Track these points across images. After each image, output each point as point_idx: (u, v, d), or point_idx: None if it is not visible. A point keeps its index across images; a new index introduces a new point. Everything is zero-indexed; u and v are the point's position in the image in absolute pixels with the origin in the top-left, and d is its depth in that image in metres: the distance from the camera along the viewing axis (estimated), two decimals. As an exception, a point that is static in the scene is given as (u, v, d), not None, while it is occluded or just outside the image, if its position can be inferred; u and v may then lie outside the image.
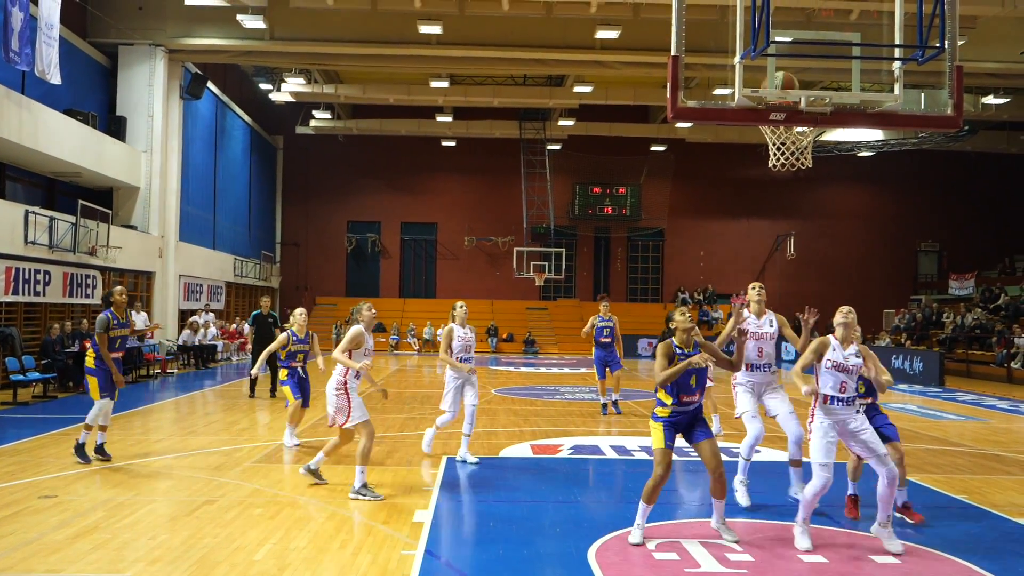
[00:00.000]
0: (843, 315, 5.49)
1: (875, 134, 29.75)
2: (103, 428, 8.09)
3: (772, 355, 6.71)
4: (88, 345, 8.38)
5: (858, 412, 5.47)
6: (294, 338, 9.15)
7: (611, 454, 9.01)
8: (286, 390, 9.15)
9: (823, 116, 5.71)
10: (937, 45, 5.48)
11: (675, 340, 5.56)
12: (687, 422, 5.60)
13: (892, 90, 5.63)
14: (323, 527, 5.83)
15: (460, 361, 8.09)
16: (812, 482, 5.41)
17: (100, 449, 8.12)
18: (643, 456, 8.88)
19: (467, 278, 33.37)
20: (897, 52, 5.71)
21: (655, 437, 5.60)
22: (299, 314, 9.30)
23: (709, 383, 10.32)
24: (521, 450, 8.98)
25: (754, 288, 6.77)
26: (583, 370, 21.92)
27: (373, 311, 7.06)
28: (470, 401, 8.14)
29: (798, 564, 5.16)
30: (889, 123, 5.84)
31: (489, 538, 5.63)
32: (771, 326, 6.69)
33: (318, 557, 5.17)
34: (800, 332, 6.24)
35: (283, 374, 9.13)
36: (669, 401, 5.54)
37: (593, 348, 12.38)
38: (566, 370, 21.74)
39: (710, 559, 5.21)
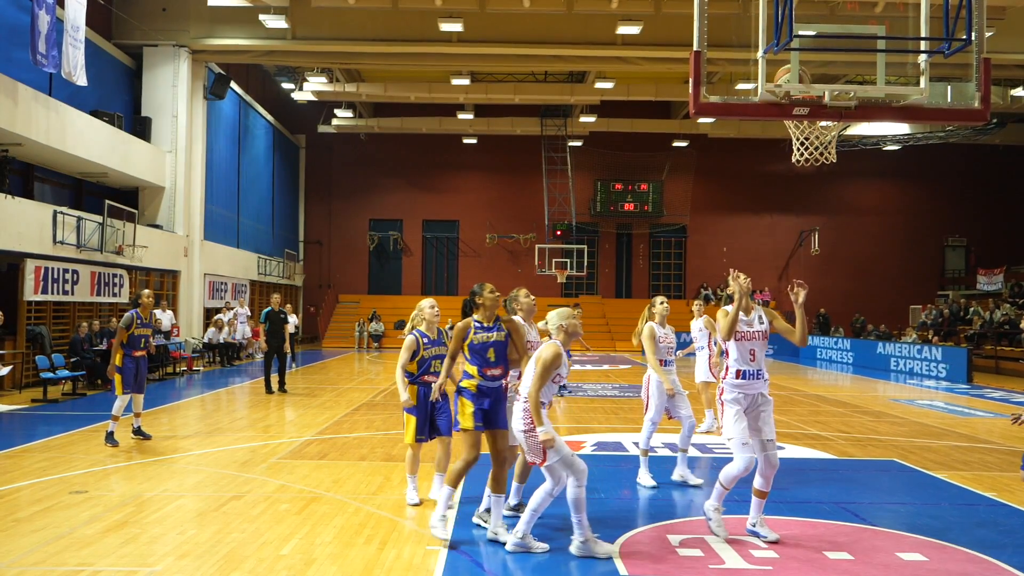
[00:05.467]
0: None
1: (901, 128, 29.33)
2: (137, 415, 9.13)
3: (764, 359, 5.59)
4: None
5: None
6: (425, 340, 6.22)
7: (634, 451, 8.98)
8: (410, 423, 6.24)
9: (847, 110, 5.64)
10: (964, 37, 5.39)
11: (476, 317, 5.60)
12: (492, 401, 5.49)
13: (918, 83, 5.55)
14: (348, 522, 5.89)
15: (664, 365, 7.13)
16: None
17: (138, 431, 9.11)
18: (666, 452, 8.85)
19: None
20: (923, 45, 5.63)
21: (464, 414, 5.43)
22: (428, 307, 6.32)
23: (710, 378, 10.25)
24: (543, 447, 8.99)
25: (737, 277, 5.62)
26: (605, 367, 21.87)
27: (532, 297, 5.97)
28: (686, 413, 7.18)
29: (823, 561, 5.11)
30: (915, 117, 5.75)
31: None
32: (761, 323, 5.56)
33: (344, 552, 5.22)
34: (795, 320, 5.54)
35: (410, 394, 6.20)
36: (475, 371, 5.47)
37: None
38: (588, 367, 21.71)
39: (735, 556, 5.18)
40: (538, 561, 5.10)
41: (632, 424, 11.01)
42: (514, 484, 6.07)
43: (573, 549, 5.17)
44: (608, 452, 8.90)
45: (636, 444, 8.00)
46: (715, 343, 10.23)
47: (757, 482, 5.44)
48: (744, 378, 5.44)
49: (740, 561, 5.09)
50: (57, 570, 4.79)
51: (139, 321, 8.99)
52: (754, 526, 5.52)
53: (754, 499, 5.49)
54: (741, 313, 5.49)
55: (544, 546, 5.29)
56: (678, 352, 8.02)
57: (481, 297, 5.58)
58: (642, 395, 7.39)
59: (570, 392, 14.66)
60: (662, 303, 7.38)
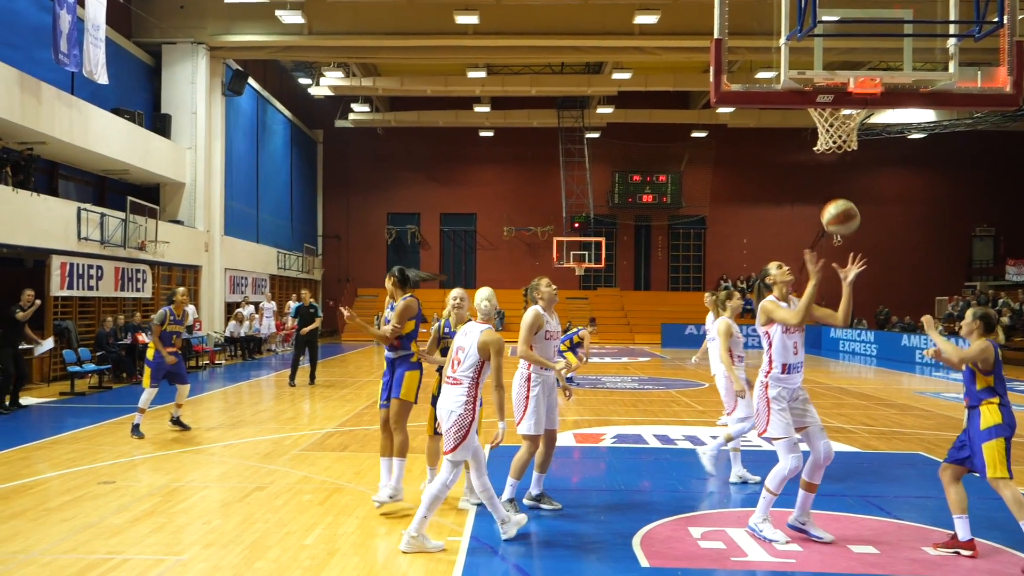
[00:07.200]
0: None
1: (926, 115, 28.86)
2: (179, 406, 9.38)
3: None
4: (141, 338, 9.20)
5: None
6: (447, 331, 6.11)
7: (654, 443, 8.96)
8: (432, 415, 6.06)
9: (873, 97, 5.54)
10: (995, 20, 5.28)
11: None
12: (389, 373, 6.09)
13: (946, 68, 5.44)
14: (371, 513, 5.92)
15: (740, 362, 7.07)
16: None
17: (177, 420, 9.36)
18: (687, 445, 8.81)
19: (506, 268, 33.42)
20: (952, 28, 5.51)
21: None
22: (452, 298, 5.99)
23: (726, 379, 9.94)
24: (564, 439, 8.96)
25: (781, 267, 5.41)
26: (624, 359, 21.80)
27: (553, 287, 5.98)
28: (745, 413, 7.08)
29: (848, 554, 5.07)
30: (943, 103, 5.63)
31: (533, 526, 5.65)
32: None
33: (366, 542, 5.26)
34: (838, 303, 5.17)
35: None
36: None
37: None
38: (607, 359, 21.66)
39: (757, 548, 5.15)
40: (558, 551, 5.10)
41: (651, 416, 10.97)
42: (535, 474, 6.07)
43: (403, 545, 5.01)
44: (628, 444, 8.88)
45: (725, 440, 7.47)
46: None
47: (810, 474, 5.24)
48: (789, 372, 5.22)
49: (763, 554, 5.05)
50: (87, 558, 4.86)
51: (172, 318, 9.19)
52: (803, 524, 5.28)
53: (803, 493, 5.27)
54: (783, 304, 5.30)
55: (522, 517, 5.46)
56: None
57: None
58: (725, 394, 7.27)
59: (579, 385, 14.63)
60: (739, 299, 7.17)
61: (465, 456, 5.10)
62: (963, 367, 5.00)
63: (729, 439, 7.05)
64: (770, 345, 5.29)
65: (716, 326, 7.21)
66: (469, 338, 5.23)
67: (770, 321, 5.26)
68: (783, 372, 5.23)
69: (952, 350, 5.02)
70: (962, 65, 5.42)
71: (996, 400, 4.90)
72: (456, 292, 6.02)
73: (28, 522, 5.61)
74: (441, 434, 5.49)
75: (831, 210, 5.11)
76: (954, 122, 28.68)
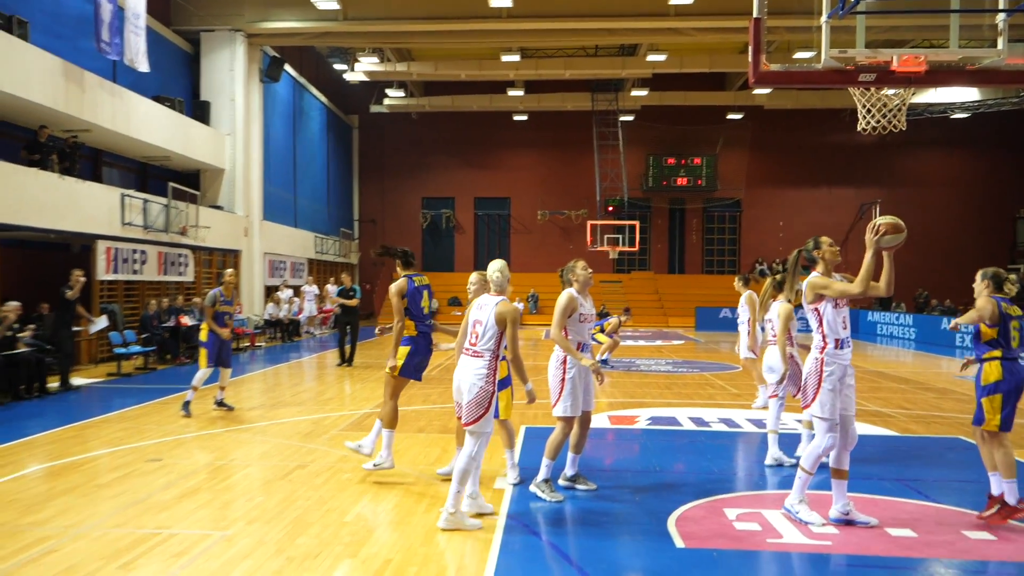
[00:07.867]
0: None
1: (970, 94, 28.00)
2: (222, 388, 9.67)
3: None
4: (184, 320, 9.40)
5: None
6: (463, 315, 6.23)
7: (689, 425, 8.96)
8: None
9: (917, 75, 5.42)
10: (1045, -7, 5.12)
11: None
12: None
13: (994, 45, 5.29)
14: (409, 491, 6.04)
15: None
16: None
17: (221, 403, 9.60)
18: (722, 428, 8.79)
19: (540, 252, 33.41)
20: (1001, 3, 5.36)
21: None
22: (471, 283, 6.22)
23: (751, 355, 9.78)
24: (599, 421, 9.01)
25: (833, 245, 5.30)
26: (659, 342, 21.71)
27: (589, 270, 5.95)
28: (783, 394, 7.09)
29: (885, 537, 5.04)
30: (991, 80, 5.47)
31: (568, 505, 5.72)
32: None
33: (405, 520, 5.37)
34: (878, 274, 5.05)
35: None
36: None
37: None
38: (641, 342, 21.60)
39: (793, 530, 5.15)
40: (593, 530, 5.15)
41: (686, 399, 10.94)
42: (569, 455, 6.12)
43: (441, 522, 5.11)
44: (662, 426, 8.89)
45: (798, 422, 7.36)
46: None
47: (838, 460, 5.22)
48: (842, 347, 5.16)
49: (799, 536, 5.05)
50: (137, 532, 5.05)
51: (222, 299, 9.44)
52: (847, 514, 5.23)
53: (837, 482, 5.24)
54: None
55: (486, 519, 5.34)
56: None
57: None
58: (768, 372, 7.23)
59: (612, 367, 14.62)
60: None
61: (486, 428, 5.15)
62: (979, 323, 5.34)
63: (809, 426, 6.91)
64: (820, 322, 5.20)
65: (775, 309, 7.05)
66: (485, 311, 5.31)
67: (819, 297, 5.18)
68: (837, 347, 5.17)
69: (970, 316, 5.44)
70: (1011, 41, 5.27)
71: (998, 353, 5.25)
72: (473, 277, 6.10)
73: (80, 497, 5.84)
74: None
75: (888, 216, 5.04)
76: (999, 101, 27.80)
